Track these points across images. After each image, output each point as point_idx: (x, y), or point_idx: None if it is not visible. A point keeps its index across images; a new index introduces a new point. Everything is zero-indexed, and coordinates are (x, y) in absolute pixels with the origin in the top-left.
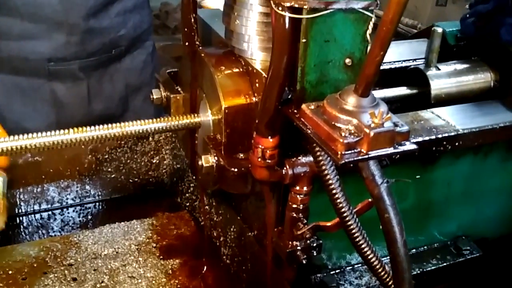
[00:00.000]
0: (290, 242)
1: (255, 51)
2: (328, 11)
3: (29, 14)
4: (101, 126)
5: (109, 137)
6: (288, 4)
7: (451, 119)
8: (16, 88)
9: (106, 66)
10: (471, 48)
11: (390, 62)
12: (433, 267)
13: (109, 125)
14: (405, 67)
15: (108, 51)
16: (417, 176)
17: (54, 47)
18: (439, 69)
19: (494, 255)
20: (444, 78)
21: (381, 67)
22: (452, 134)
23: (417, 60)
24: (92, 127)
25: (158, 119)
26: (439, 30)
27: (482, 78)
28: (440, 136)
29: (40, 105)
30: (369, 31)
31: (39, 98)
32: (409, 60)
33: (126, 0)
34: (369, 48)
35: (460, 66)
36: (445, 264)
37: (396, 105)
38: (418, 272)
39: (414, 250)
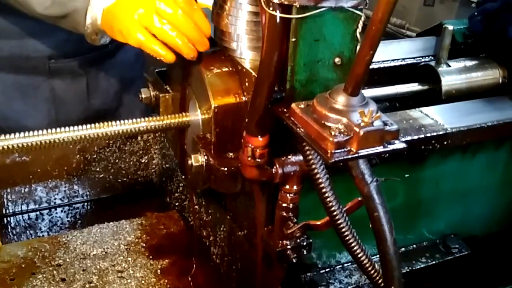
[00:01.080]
0: (280, 241)
1: (245, 50)
2: (318, 10)
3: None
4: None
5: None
6: (277, 1)
7: (440, 118)
8: (16, 87)
9: (102, 61)
10: (478, 46)
11: (399, 59)
12: (422, 266)
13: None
14: (415, 64)
15: (105, 46)
16: (406, 175)
17: (55, 44)
18: (449, 66)
19: (482, 253)
20: (454, 75)
21: (390, 65)
22: (441, 133)
23: (424, 57)
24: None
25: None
26: (450, 28)
27: (491, 75)
28: (428, 135)
29: (40, 103)
30: (358, 30)
31: (39, 96)
32: (416, 57)
33: None
34: (358, 47)
35: (470, 63)
36: (434, 262)
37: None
38: (408, 270)
39: (403, 248)
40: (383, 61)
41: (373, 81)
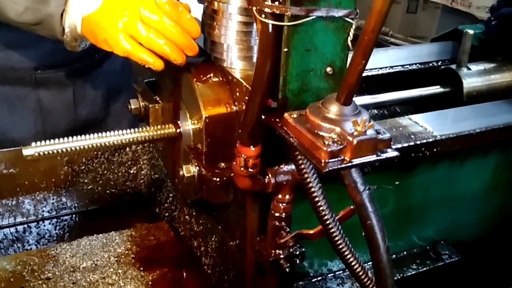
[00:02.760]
0: (273, 251)
1: (235, 60)
2: (309, 18)
3: None
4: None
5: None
6: (269, 11)
7: (429, 126)
8: (2, 98)
9: (89, 71)
10: (494, 49)
11: (417, 64)
12: (413, 272)
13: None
14: (434, 68)
15: (91, 56)
16: (396, 183)
17: (41, 55)
18: (469, 69)
19: (472, 258)
20: (475, 77)
21: (410, 68)
22: (430, 140)
23: (442, 61)
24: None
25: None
26: (471, 32)
27: (509, 77)
28: (418, 142)
29: (27, 114)
30: (350, 38)
31: (25, 107)
32: (433, 61)
33: None
34: (349, 56)
35: (488, 66)
36: (425, 269)
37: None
38: (399, 277)
39: (394, 255)
40: (403, 65)
41: (395, 85)
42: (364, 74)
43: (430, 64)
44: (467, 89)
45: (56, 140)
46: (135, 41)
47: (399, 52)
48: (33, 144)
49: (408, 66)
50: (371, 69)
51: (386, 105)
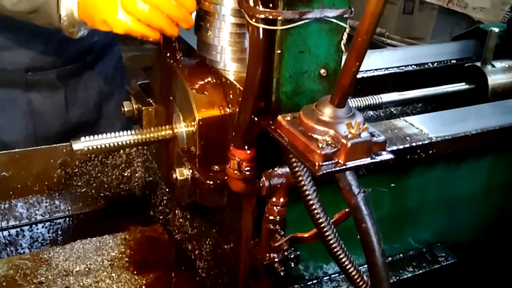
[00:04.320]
0: (268, 254)
1: (228, 62)
2: (302, 21)
3: (6, 25)
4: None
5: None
6: (262, 16)
7: (424, 127)
8: None
9: (81, 73)
10: None
11: (442, 61)
12: (409, 275)
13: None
14: (458, 65)
15: (83, 58)
16: (392, 185)
17: (32, 57)
18: (494, 66)
19: (468, 260)
20: (499, 74)
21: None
22: (426, 142)
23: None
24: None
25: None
26: (496, 30)
27: None
28: (414, 144)
29: (18, 116)
30: (343, 41)
31: (16, 110)
32: (453, 59)
33: None
34: (343, 58)
35: None
36: (421, 271)
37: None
38: (395, 280)
39: (390, 258)
40: (425, 64)
41: (420, 82)
42: (390, 72)
43: (452, 62)
44: (492, 86)
45: (107, 134)
46: (135, 18)
47: (417, 50)
48: (83, 138)
49: (430, 64)
50: (398, 67)
51: (413, 101)
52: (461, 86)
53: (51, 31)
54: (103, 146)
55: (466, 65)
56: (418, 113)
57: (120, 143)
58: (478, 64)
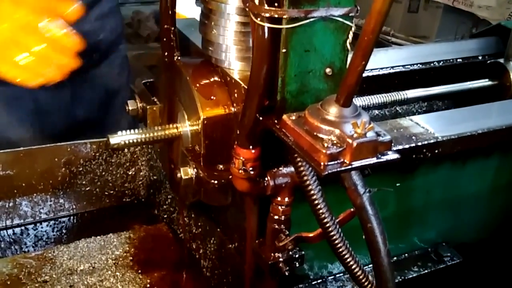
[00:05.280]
0: (272, 254)
1: (233, 61)
2: (308, 20)
3: None
4: None
5: None
6: (267, 15)
7: (430, 127)
8: None
9: (87, 71)
10: None
11: (465, 58)
12: (414, 275)
13: None
14: (480, 62)
15: (89, 56)
16: (397, 184)
17: None
18: None
19: (474, 260)
20: None
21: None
22: (432, 141)
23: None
24: None
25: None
26: None
27: None
28: (419, 143)
29: (24, 115)
30: (349, 40)
31: (22, 107)
32: (474, 56)
33: (103, 4)
34: (349, 57)
35: None
36: (426, 271)
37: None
38: (400, 280)
39: (395, 258)
40: (447, 60)
41: (443, 79)
42: (419, 67)
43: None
44: None
45: (143, 129)
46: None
47: (439, 47)
48: (119, 133)
49: (452, 60)
50: (426, 63)
51: (439, 97)
52: (484, 82)
53: None
54: (138, 140)
55: (489, 61)
56: (424, 112)
57: (155, 137)
58: (501, 60)
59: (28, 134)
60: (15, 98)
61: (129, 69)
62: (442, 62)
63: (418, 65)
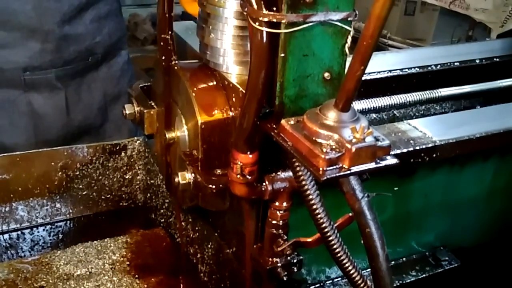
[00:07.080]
0: (270, 259)
1: (231, 65)
2: (306, 24)
3: (2, 22)
4: None
5: None
6: (265, 19)
7: (428, 131)
8: None
9: (83, 74)
10: None
11: (488, 58)
12: (412, 279)
13: None
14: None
15: (85, 59)
16: (395, 188)
17: (29, 55)
18: None
19: (472, 264)
20: None
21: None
22: (430, 145)
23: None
24: None
25: None
26: None
27: None
28: (417, 147)
29: (17, 118)
30: (347, 45)
31: (15, 111)
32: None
33: (100, 6)
34: (347, 61)
35: None
36: (424, 275)
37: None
38: (398, 284)
39: (393, 262)
40: (469, 61)
41: (469, 79)
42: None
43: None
44: None
45: None
46: None
47: (462, 48)
48: None
49: (477, 61)
50: (450, 63)
51: (466, 96)
52: (510, 81)
53: (49, 28)
54: None
55: None
56: (421, 116)
57: None
58: None
59: (22, 138)
60: (8, 100)
61: (131, 74)
62: (481, 60)
63: (434, 66)
